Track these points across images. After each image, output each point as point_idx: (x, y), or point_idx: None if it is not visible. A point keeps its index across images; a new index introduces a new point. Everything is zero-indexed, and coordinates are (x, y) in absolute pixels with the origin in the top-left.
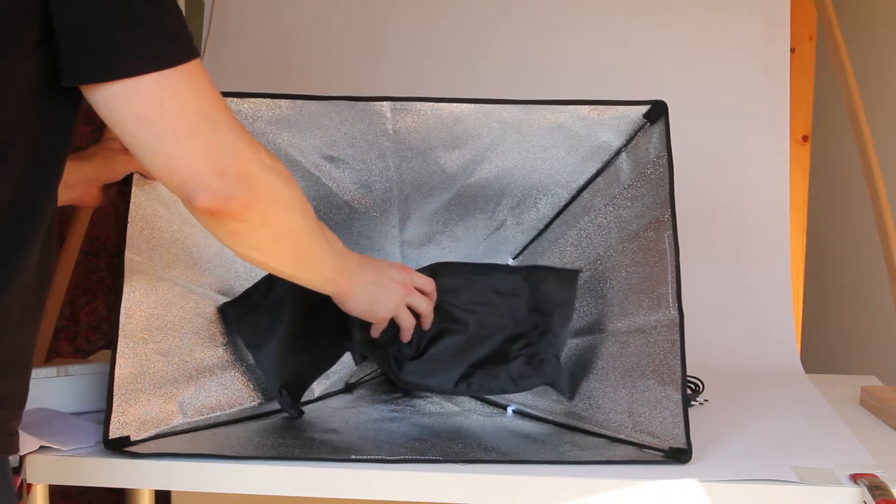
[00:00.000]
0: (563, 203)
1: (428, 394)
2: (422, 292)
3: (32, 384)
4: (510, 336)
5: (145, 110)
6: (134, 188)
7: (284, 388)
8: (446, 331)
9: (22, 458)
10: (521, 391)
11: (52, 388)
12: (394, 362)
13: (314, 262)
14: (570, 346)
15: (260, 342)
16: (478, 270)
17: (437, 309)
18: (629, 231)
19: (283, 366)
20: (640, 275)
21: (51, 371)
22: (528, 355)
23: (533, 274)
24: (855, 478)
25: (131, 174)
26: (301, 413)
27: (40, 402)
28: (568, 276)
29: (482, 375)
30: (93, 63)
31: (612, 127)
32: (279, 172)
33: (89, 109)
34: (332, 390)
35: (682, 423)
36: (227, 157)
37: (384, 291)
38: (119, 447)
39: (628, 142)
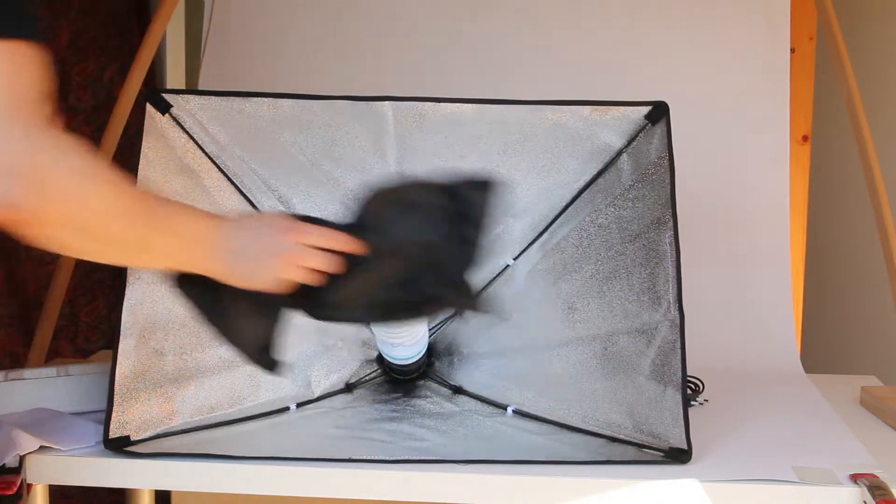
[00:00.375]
0: (564, 203)
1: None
2: (323, 248)
3: (32, 384)
4: (425, 260)
5: None
6: (139, 185)
7: (261, 351)
8: (359, 261)
9: (22, 458)
10: (432, 315)
11: (52, 388)
12: (301, 298)
13: (145, 248)
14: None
15: (212, 315)
16: (391, 187)
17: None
18: (630, 231)
19: (242, 330)
20: (640, 275)
21: (51, 371)
22: (444, 281)
23: (447, 187)
24: (855, 478)
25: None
26: (275, 365)
27: (40, 402)
28: (481, 185)
29: (395, 302)
30: None
31: (614, 127)
32: (82, 173)
33: (91, 110)
34: (332, 390)
35: (682, 423)
36: (19, 156)
37: (259, 263)
38: (119, 447)
39: (629, 142)
